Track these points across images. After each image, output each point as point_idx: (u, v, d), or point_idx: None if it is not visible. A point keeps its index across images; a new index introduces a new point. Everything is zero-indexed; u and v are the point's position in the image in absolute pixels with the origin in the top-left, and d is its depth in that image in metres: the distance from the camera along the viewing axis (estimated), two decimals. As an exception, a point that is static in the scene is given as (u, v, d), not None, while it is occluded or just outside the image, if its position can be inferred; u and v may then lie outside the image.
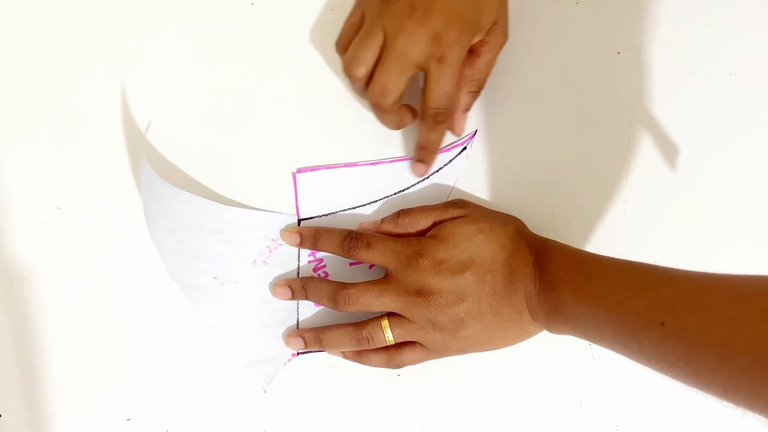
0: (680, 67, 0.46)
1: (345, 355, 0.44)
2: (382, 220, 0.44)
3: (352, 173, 0.46)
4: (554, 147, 0.46)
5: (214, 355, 0.45)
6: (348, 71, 0.40)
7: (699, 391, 0.32)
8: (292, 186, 0.46)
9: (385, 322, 0.41)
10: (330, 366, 0.45)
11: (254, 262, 0.45)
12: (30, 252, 0.45)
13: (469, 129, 0.46)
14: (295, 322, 0.45)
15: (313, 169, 0.46)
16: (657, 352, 0.34)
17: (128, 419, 0.44)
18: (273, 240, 0.45)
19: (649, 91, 0.46)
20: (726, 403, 0.31)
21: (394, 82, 0.39)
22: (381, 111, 0.41)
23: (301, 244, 0.44)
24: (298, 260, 0.45)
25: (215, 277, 0.44)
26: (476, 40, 0.40)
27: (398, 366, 0.43)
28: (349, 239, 0.42)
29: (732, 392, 0.31)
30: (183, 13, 0.47)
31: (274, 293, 0.45)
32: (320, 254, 0.45)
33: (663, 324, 0.33)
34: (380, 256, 0.42)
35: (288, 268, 0.45)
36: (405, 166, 0.46)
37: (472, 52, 0.41)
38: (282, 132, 0.46)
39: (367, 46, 0.39)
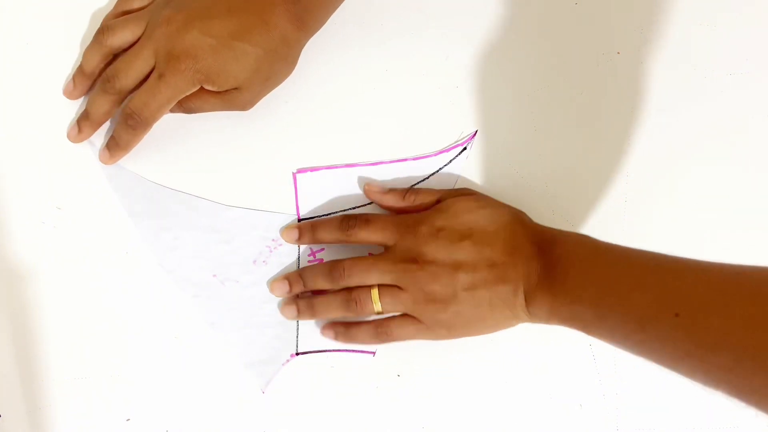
0: (680, 67, 0.46)
1: (336, 336, 0.44)
2: (390, 189, 0.44)
3: (352, 173, 0.46)
4: (554, 147, 0.46)
5: (214, 355, 0.45)
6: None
7: (706, 388, 0.32)
8: (293, 186, 0.46)
9: (374, 291, 0.41)
10: (330, 366, 0.45)
11: (254, 261, 0.45)
12: (30, 252, 0.45)
13: (469, 129, 0.46)
14: (295, 322, 0.45)
15: (313, 169, 0.46)
16: (664, 345, 0.33)
17: (128, 419, 0.44)
18: (273, 240, 0.45)
19: (649, 91, 0.46)
20: (737, 402, 0.30)
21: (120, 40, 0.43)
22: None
23: (300, 239, 0.44)
24: (299, 262, 0.45)
25: (215, 275, 0.44)
26: (208, 87, 0.41)
27: (386, 336, 0.42)
28: (347, 219, 0.43)
29: (746, 393, 0.30)
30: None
31: (272, 290, 0.44)
32: (320, 254, 0.45)
33: (677, 315, 0.32)
34: (380, 230, 0.42)
35: (288, 269, 0.45)
36: (405, 166, 0.46)
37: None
38: (282, 132, 0.46)
39: (126, 22, 0.43)
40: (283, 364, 0.45)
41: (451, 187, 0.46)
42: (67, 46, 0.46)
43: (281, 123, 0.46)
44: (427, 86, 0.46)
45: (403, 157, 0.46)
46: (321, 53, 0.46)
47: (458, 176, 0.46)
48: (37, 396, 0.44)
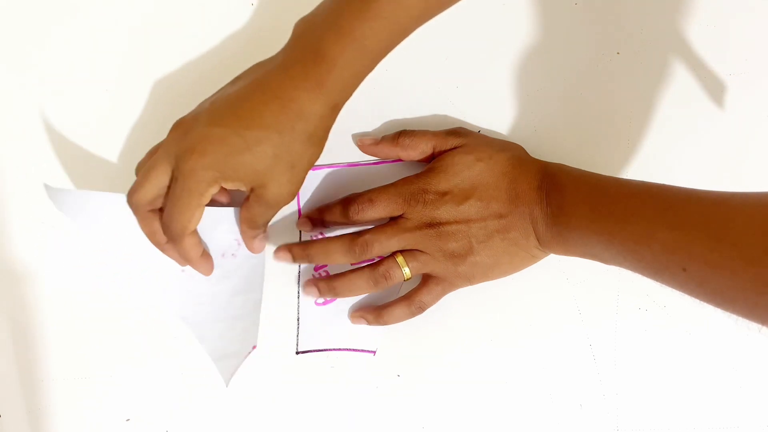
0: (680, 67, 0.46)
1: (368, 321, 0.44)
2: (383, 137, 0.44)
3: (354, 172, 0.46)
4: (554, 147, 0.46)
5: (214, 355, 0.45)
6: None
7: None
8: (293, 186, 0.46)
9: (400, 258, 0.42)
10: (330, 366, 0.45)
11: (223, 255, 0.44)
12: (30, 252, 0.45)
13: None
14: (295, 320, 0.45)
15: (315, 168, 0.46)
16: (679, 288, 0.35)
17: (128, 419, 0.44)
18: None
19: (649, 91, 0.46)
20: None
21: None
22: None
23: (311, 230, 0.45)
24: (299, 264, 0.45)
25: (183, 270, 0.44)
26: (228, 185, 0.37)
27: (420, 309, 0.43)
28: (349, 204, 0.42)
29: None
30: (183, 13, 0.47)
31: (276, 256, 0.44)
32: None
33: (684, 270, 0.33)
34: (386, 205, 0.42)
35: (259, 259, 0.44)
36: (407, 166, 0.46)
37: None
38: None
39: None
40: (245, 356, 0.43)
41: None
42: (67, 46, 0.46)
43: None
44: (427, 86, 0.46)
45: (404, 157, 0.46)
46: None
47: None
48: (37, 396, 0.44)
